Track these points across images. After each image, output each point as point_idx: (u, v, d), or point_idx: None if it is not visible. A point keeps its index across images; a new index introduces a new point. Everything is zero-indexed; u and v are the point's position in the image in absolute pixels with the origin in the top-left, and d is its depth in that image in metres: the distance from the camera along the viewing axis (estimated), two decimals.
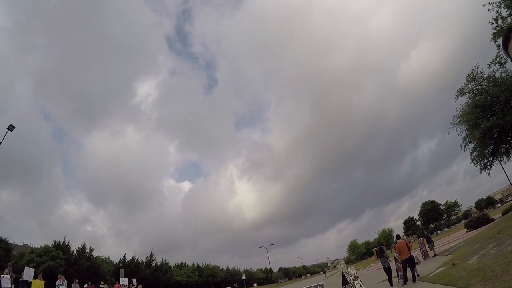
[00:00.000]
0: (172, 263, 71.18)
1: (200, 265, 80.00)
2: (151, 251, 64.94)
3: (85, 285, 20.36)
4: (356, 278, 16.77)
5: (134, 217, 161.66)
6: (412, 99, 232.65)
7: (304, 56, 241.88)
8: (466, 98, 29.48)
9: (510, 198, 66.11)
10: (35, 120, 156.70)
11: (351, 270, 17.68)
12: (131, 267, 52.64)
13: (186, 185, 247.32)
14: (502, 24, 18.79)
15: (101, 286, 21.82)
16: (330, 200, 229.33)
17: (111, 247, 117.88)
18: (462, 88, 29.56)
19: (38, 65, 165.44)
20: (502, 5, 18.41)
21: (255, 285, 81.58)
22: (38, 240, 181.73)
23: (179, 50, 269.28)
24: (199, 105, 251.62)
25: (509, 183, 44.83)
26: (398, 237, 14.66)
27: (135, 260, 59.10)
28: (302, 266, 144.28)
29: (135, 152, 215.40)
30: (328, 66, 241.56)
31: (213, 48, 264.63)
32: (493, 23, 19.52)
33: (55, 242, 42.62)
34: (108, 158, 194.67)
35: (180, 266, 72.90)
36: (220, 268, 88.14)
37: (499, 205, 77.07)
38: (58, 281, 19.17)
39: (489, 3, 18.84)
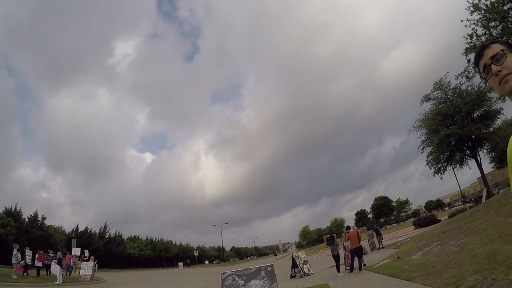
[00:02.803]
0: (126, 236, 70.77)
1: (154, 239, 79.63)
2: (105, 223, 64.41)
3: (37, 254, 19.40)
4: (305, 262, 17.28)
5: (92, 186, 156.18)
6: (386, 96, 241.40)
7: (291, 40, 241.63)
8: (431, 104, 30.76)
9: (458, 203, 70.83)
10: None
11: (301, 255, 18.19)
12: (83, 238, 51.80)
13: (149, 156, 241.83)
14: (475, 41, 19.42)
15: (50, 254, 20.83)
16: (291, 184, 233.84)
17: (66, 216, 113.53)
18: (428, 95, 30.76)
19: (9, 11, 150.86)
20: (479, 24, 18.96)
21: (206, 262, 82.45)
22: None
23: (167, 11, 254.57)
24: (177, 73, 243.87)
25: (459, 189, 48.12)
26: (348, 227, 15.16)
27: (88, 230, 58.39)
28: (254, 247, 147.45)
29: (103, 116, 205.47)
30: (312, 53, 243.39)
31: (200, 15, 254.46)
32: (467, 39, 20.09)
33: (6, 209, 40.83)
34: (73, 120, 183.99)
35: (134, 239, 72.25)
36: (173, 243, 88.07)
37: (447, 208, 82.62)
38: (14, 250, 18.16)
39: (467, 19, 19.32)
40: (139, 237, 75.42)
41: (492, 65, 1.29)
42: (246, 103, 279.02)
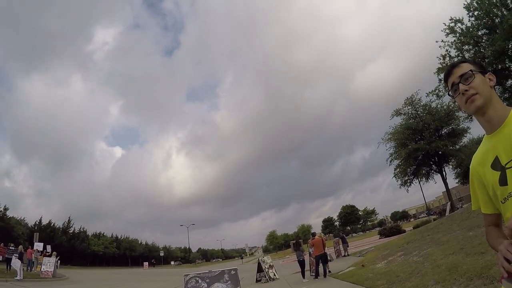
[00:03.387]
0: (90, 232, 68.41)
1: (119, 237, 77.26)
2: (69, 217, 61.95)
3: None
4: (271, 267, 17.14)
5: (59, 178, 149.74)
6: (359, 107, 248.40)
7: (272, 44, 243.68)
8: (401, 119, 31.81)
9: (422, 215, 73.33)
10: None
11: (267, 259, 18.05)
12: (46, 232, 49.48)
13: (119, 151, 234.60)
14: (448, 61, 20.22)
15: (11, 247, 19.57)
16: (261, 188, 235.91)
17: (29, 208, 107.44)
18: (399, 109, 31.82)
19: None
20: (453, 46, 19.74)
21: (172, 262, 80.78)
22: None
23: (151, 2, 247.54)
24: (155, 67, 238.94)
25: (424, 202, 49.96)
26: (313, 234, 15.22)
27: (52, 225, 55.87)
28: (221, 249, 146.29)
29: (75, 105, 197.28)
30: (291, 59, 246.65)
31: (185, 9, 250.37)
32: (440, 59, 20.86)
33: None
34: (44, 106, 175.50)
35: (98, 236, 69.89)
36: (139, 242, 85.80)
37: (412, 219, 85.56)
38: None
39: (442, 41, 20.09)
40: (104, 234, 73.09)
41: (460, 84, 1.35)
42: (221, 103, 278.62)
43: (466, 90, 1.33)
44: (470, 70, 1.34)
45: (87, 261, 61.44)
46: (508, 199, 1.25)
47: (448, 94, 1.50)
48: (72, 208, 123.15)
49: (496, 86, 1.41)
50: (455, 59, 19.86)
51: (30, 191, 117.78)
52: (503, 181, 1.26)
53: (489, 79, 1.36)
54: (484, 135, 1.43)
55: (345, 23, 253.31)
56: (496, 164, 1.29)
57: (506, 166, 1.25)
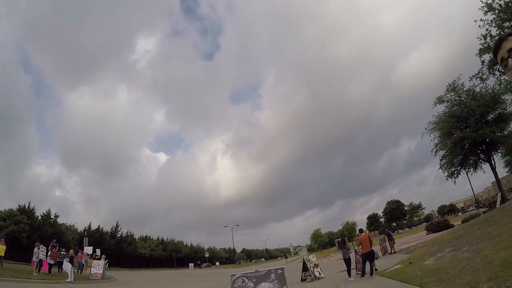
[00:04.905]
0: (137, 235, 71.47)
1: (165, 240, 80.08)
2: (117, 222, 65.15)
3: (49, 252, 19.87)
4: (316, 266, 17.22)
5: (107, 184, 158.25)
6: (404, 98, 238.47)
7: (312, 38, 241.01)
8: (444, 106, 30.30)
9: (471, 208, 69.46)
10: (14, 69, 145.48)
11: (312, 258, 18.13)
12: (95, 237, 52.51)
13: (163, 156, 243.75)
14: (490, 41, 19.11)
15: (62, 252, 21.25)
16: (305, 186, 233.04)
17: (79, 214, 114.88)
18: (441, 97, 30.30)
19: (28, 4, 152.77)
20: (493, 24, 18.64)
21: (217, 263, 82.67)
22: (5, 202, 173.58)
23: (189, 7, 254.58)
24: (196, 72, 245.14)
25: (473, 194, 47.14)
26: (361, 231, 14.99)
27: (100, 229, 59.23)
28: (265, 249, 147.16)
29: (121, 114, 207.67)
30: (332, 52, 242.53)
31: (221, 12, 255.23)
32: (481, 39, 19.78)
33: (19, 206, 41.78)
34: (90, 117, 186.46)
35: (145, 239, 72.83)
36: (184, 244, 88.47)
37: (460, 213, 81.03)
38: (35, 248, 18.75)
39: (481, 19, 19.03)
40: (151, 237, 76.14)
41: (510, 59, 1.26)
42: (264, 103, 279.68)
43: None
44: None
45: (134, 264, 64.12)
46: None
47: (498, 70, 1.42)
48: (119, 213, 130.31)
49: None
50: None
51: (79, 198, 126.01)
52: None
53: None
54: None
55: (381, 13, 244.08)
56: None
57: None
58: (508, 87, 21.99)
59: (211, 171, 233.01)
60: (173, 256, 78.40)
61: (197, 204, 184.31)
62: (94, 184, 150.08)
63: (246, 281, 9.19)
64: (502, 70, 1.33)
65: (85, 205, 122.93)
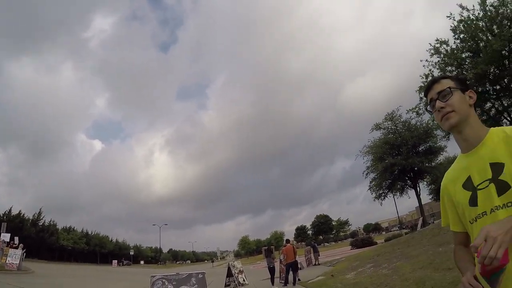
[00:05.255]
0: (61, 226, 66.12)
1: (89, 233, 74.87)
2: (40, 209, 59.67)
3: None
4: (241, 272, 16.77)
5: (35, 167, 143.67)
6: (345, 119, 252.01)
7: (268, 49, 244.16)
8: (380, 133, 32.30)
9: (395, 228, 74.51)
10: None
11: (237, 264, 17.66)
12: (15, 222, 47.27)
13: (99, 144, 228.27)
14: None
15: None
16: (239, 192, 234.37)
17: (0, 196, 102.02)
18: (379, 124, 32.28)
19: None
20: (437, 66, 20.05)
21: (142, 262, 79.23)
22: None
23: None
24: (150, 61, 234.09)
25: (397, 216, 50.88)
26: (287, 241, 15.08)
27: (21, 215, 53.74)
28: (192, 251, 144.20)
29: (61, 93, 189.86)
30: (285, 66, 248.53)
31: (187, 5, 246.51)
32: (423, 78, 21.16)
33: None
34: (28, 91, 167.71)
35: (68, 230, 67.61)
36: (110, 239, 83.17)
37: (384, 232, 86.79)
38: None
39: (426, 60, 20.41)
40: (75, 228, 70.82)
41: (437, 101, 1.35)
42: (210, 104, 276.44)
43: (443, 107, 1.32)
44: (449, 87, 1.33)
45: (55, 256, 59.20)
46: (476, 221, 1.24)
47: (426, 110, 1.51)
48: (45, 199, 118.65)
49: (475, 108, 1.40)
50: None
51: (3, 178, 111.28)
52: (473, 202, 1.25)
53: (470, 96, 1.35)
54: (459, 154, 1.39)
55: (339, 36, 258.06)
56: (468, 184, 1.28)
57: (478, 187, 1.24)
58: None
59: (147, 166, 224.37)
60: (96, 251, 73.23)
61: (127, 198, 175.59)
62: (21, 164, 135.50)
63: (166, 284, 8.55)
64: (430, 110, 1.42)
65: (8, 186, 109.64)
